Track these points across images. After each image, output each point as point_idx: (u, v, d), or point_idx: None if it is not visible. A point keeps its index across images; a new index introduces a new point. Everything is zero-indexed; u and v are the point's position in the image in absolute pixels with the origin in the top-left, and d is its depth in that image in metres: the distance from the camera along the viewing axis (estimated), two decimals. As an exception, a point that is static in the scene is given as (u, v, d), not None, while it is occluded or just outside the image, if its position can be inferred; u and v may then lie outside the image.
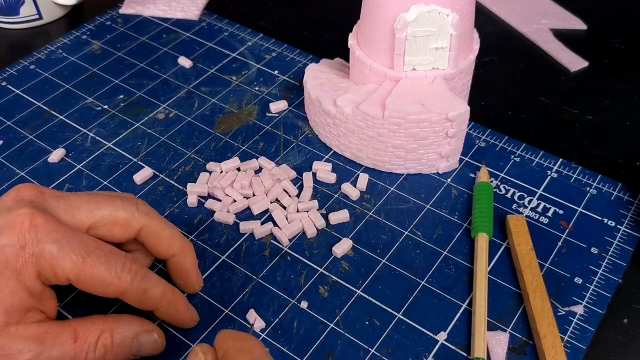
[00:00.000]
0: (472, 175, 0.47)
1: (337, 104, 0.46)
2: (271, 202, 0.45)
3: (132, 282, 0.35)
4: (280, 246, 0.43)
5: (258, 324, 0.38)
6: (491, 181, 0.47)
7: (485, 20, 0.63)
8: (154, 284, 0.36)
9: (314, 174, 0.47)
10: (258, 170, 0.48)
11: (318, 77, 0.49)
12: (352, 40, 0.48)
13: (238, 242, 0.43)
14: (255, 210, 0.44)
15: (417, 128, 0.44)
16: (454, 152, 0.46)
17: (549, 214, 0.45)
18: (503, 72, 0.57)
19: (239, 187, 0.46)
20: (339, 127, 0.47)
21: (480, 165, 0.48)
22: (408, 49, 0.44)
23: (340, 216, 0.44)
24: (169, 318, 0.37)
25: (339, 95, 0.47)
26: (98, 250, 0.34)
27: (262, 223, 0.44)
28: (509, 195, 0.46)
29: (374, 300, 0.40)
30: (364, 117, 0.45)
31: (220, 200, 0.45)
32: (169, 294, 0.37)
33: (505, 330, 0.38)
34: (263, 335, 0.38)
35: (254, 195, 0.45)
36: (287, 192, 0.46)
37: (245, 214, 0.45)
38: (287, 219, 0.44)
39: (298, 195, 0.46)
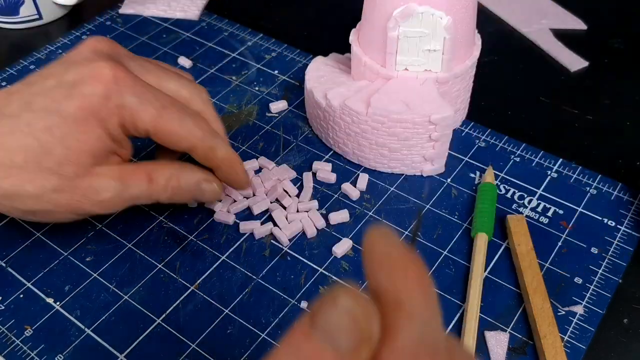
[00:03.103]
0: (472, 175, 0.47)
1: (327, 97, 0.46)
2: (271, 202, 0.45)
3: (202, 139, 0.38)
4: (280, 246, 0.43)
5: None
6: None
7: (485, 20, 0.63)
8: (220, 144, 0.39)
9: (314, 174, 0.47)
10: (258, 170, 0.48)
11: (320, 69, 0.50)
12: (352, 36, 0.48)
13: (238, 242, 0.43)
14: (256, 210, 0.44)
15: (399, 128, 0.44)
16: (439, 156, 0.46)
17: (549, 214, 0.45)
18: (503, 72, 0.57)
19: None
20: (327, 120, 0.47)
21: (480, 164, 0.48)
22: (400, 49, 0.44)
23: (340, 216, 0.44)
24: (228, 178, 0.41)
25: (331, 89, 0.47)
26: (173, 106, 0.37)
27: (262, 223, 0.44)
28: (509, 195, 0.46)
29: (374, 300, 0.40)
30: (350, 112, 0.45)
31: (220, 200, 0.45)
32: (232, 155, 0.40)
33: (505, 330, 0.38)
34: (263, 335, 0.38)
35: (253, 195, 0.45)
36: (287, 192, 0.46)
37: (245, 214, 0.45)
38: (287, 219, 0.44)
39: (298, 195, 0.46)
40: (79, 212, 0.38)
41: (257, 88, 0.55)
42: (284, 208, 0.45)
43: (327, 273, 0.41)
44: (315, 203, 0.45)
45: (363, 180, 0.47)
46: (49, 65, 0.39)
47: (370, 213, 0.45)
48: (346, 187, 0.46)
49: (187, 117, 0.37)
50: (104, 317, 0.39)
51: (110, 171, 0.37)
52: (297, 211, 0.44)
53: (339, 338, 0.18)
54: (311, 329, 0.18)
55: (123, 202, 0.38)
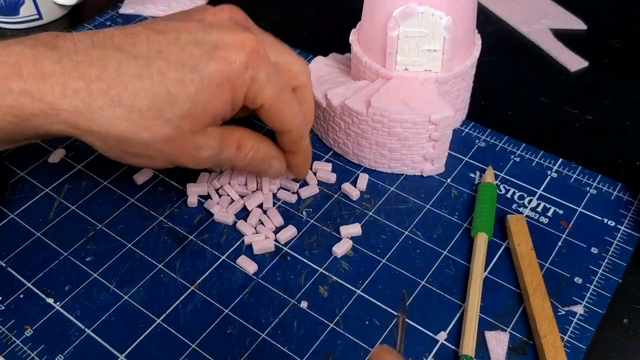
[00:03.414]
0: (472, 175, 0.47)
1: (327, 97, 0.46)
2: (267, 203, 0.45)
3: (299, 127, 0.41)
4: (281, 246, 0.43)
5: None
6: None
7: (485, 20, 0.63)
8: (307, 135, 0.42)
9: (314, 174, 0.47)
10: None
11: (320, 69, 0.50)
12: (352, 36, 0.48)
13: (238, 242, 0.43)
14: (250, 206, 0.44)
15: (399, 128, 0.44)
16: (439, 155, 0.46)
17: (549, 214, 0.45)
18: (503, 72, 0.57)
19: (235, 185, 0.46)
20: (327, 120, 0.47)
21: (480, 164, 0.48)
22: (400, 49, 0.44)
23: (352, 230, 0.43)
24: (297, 164, 0.44)
25: (331, 89, 0.47)
26: (287, 89, 0.39)
27: (257, 227, 0.44)
28: (509, 195, 0.46)
29: (374, 300, 0.40)
30: (350, 112, 0.45)
31: (220, 198, 0.45)
32: (310, 147, 0.44)
33: (505, 330, 0.38)
34: (263, 335, 0.38)
35: (251, 192, 0.46)
36: (286, 190, 0.46)
37: (245, 214, 0.45)
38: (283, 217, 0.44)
39: (297, 193, 0.46)
40: (175, 163, 0.39)
41: (257, 88, 0.55)
42: (284, 205, 0.45)
43: (327, 273, 0.41)
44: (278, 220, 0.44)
45: (363, 180, 0.47)
46: (171, 16, 0.39)
47: (370, 213, 0.45)
48: (346, 187, 0.46)
49: (295, 103, 0.40)
50: (104, 317, 0.39)
51: (215, 132, 0.38)
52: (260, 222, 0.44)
53: None
54: None
55: (213, 162, 0.39)
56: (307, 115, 0.42)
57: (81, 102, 0.34)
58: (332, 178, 0.47)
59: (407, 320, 0.39)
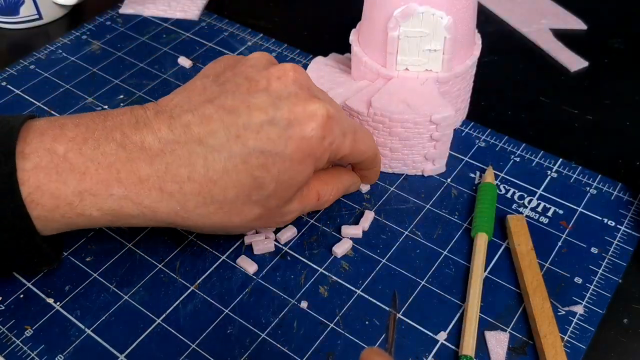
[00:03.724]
0: (472, 175, 0.47)
1: None
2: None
3: (375, 150, 0.42)
4: (281, 246, 0.43)
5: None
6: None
7: (485, 20, 0.63)
8: (378, 150, 0.44)
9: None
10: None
11: (320, 70, 0.50)
12: (353, 36, 0.48)
13: (238, 242, 0.43)
14: None
15: (400, 128, 0.44)
16: (440, 155, 0.46)
17: (549, 214, 0.45)
18: (503, 72, 0.57)
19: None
20: None
21: (480, 164, 0.48)
22: (400, 49, 0.44)
23: (352, 231, 0.43)
24: (371, 176, 0.45)
25: (331, 89, 0.47)
26: (360, 126, 0.41)
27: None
28: (509, 195, 0.46)
29: (374, 300, 0.40)
30: (350, 113, 0.45)
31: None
32: (380, 160, 0.45)
33: (505, 330, 0.38)
34: (263, 335, 0.38)
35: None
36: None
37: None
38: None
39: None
40: (259, 227, 0.41)
41: (257, 88, 0.55)
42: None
43: (327, 273, 0.41)
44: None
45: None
46: (233, 73, 0.38)
47: (371, 212, 0.45)
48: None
49: (367, 133, 0.41)
50: (104, 317, 0.39)
51: (298, 197, 0.39)
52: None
53: None
54: None
55: (295, 218, 0.41)
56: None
57: (177, 204, 0.36)
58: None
59: (399, 316, 0.39)
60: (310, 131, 0.36)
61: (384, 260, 0.42)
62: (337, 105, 0.39)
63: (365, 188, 0.47)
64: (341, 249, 0.42)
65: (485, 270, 0.41)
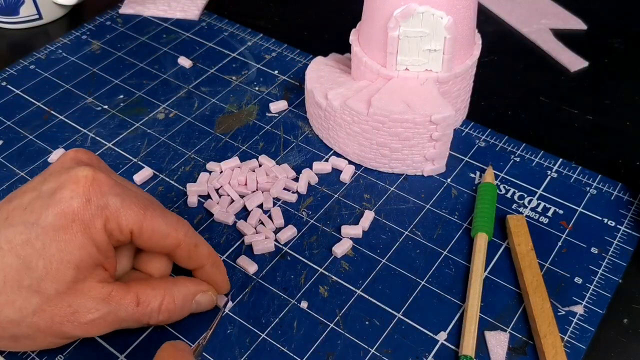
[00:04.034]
0: (472, 175, 0.47)
1: (328, 97, 0.46)
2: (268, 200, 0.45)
3: (186, 234, 0.36)
4: (281, 246, 0.43)
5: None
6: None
7: (485, 20, 0.63)
8: (203, 241, 0.38)
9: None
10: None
11: (320, 69, 0.50)
12: (353, 36, 0.48)
13: (238, 242, 0.43)
14: (250, 206, 0.44)
15: (400, 128, 0.44)
16: (440, 155, 0.46)
17: (549, 214, 0.45)
18: (503, 72, 0.57)
19: (235, 185, 0.46)
20: (328, 120, 0.47)
21: (480, 164, 0.48)
22: (400, 49, 0.44)
23: (352, 231, 0.43)
24: (211, 278, 0.39)
25: (331, 89, 0.47)
26: (153, 204, 0.36)
27: (257, 226, 0.44)
28: (509, 195, 0.46)
29: (374, 300, 0.40)
30: (350, 112, 0.45)
31: (219, 198, 0.45)
32: (214, 253, 0.38)
33: (505, 330, 0.38)
34: (263, 335, 0.38)
35: (251, 192, 0.46)
36: (287, 190, 0.46)
37: (245, 214, 0.45)
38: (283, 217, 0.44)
39: (297, 192, 0.46)
40: (62, 336, 0.35)
41: (257, 88, 0.55)
42: (284, 204, 0.45)
43: (327, 273, 0.41)
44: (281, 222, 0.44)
45: (348, 170, 0.47)
46: (29, 181, 0.36)
47: (371, 212, 0.45)
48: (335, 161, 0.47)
49: (170, 214, 0.36)
50: (104, 317, 0.39)
51: (94, 290, 0.34)
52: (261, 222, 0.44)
53: None
54: None
55: (108, 325, 0.35)
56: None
57: None
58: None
59: (406, 319, 0.39)
60: (69, 193, 0.33)
61: (384, 260, 0.42)
62: (125, 181, 0.37)
63: (293, 186, 0.45)
64: (341, 249, 0.42)
65: (485, 270, 0.41)
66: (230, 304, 0.39)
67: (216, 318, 0.38)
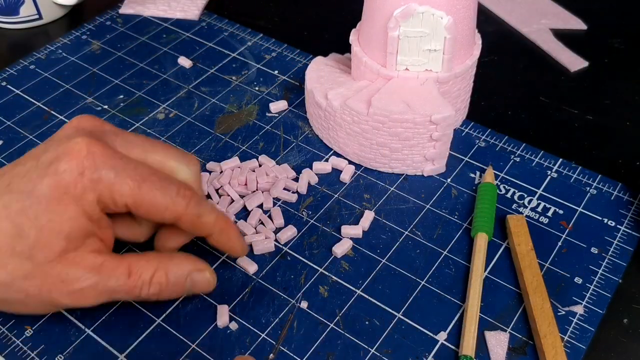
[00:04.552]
0: (472, 175, 0.47)
1: (328, 97, 0.46)
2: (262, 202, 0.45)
3: (187, 207, 0.36)
4: (281, 246, 0.43)
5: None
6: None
7: (485, 20, 0.63)
8: (208, 210, 0.37)
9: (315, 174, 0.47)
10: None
11: (320, 69, 0.50)
12: (353, 36, 0.48)
13: (238, 242, 0.43)
14: (250, 206, 0.44)
15: (400, 128, 0.44)
16: (440, 155, 0.46)
17: (549, 214, 0.45)
18: (503, 72, 0.57)
19: (235, 185, 0.46)
20: (328, 120, 0.47)
21: (480, 164, 0.48)
22: (400, 49, 0.44)
23: (352, 231, 0.43)
24: (222, 245, 0.38)
25: (331, 89, 0.47)
26: (153, 176, 0.35)
27: (257, 226, 0.44)
28: (509, 195, 0.46)
29: (374, 300, 0.40)
30: (350, 112, 0.45)
31: (219, 198, 0.45)
32: (222, 221, 0.38)
33: (505, 330, 0.38)
34: (263, 335, 0.38)
35: (251, 192, 0.46)
36: (287, 190, 0.46)
37: (245, 214, 0.45)
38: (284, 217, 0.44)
39: (297, 192, 0.46)
40: (50, 303, 0.35)
41: (257, 88, 0.55)
42: (284, 204, 0.45)
43: (327, 273, 0.41)
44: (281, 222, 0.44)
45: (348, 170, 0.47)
46: (34, 148, 0.37)
47: (371, 212, 0.45)
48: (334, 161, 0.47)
49: (170, 185, 0.35)
50: (104, 317, 0.39)
51: (84, 259, 0.34)
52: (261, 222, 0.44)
53: None
54: None
55: (98, 295, 0.35)
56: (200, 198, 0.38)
57: None
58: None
59: (406, 319, 0.39)
60: (63, 165, 0.33)
61: (384, 260, 0.42)
62: (144, 149, 0.37)
63: (293, 186, 0.45)
64: (341, 249, 0.42)
65: (485, 270, 0.41)
66: (305, 304, 0.39)
67: (289, 318, 0.38)
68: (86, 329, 0.38)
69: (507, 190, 0.46)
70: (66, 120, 0.52)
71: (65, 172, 0.33)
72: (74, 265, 0.34)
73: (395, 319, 0.39)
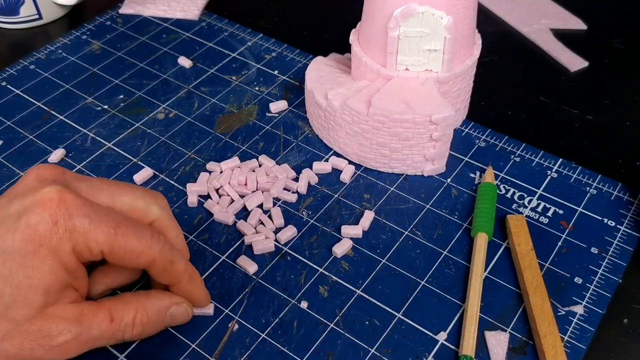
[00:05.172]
0: (472, 175, 0.47)
1: (328, 97, 0.46)
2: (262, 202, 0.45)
3: (161, 252, 0.35)
4: (281, 246, 0.43)
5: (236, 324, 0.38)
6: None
7: (485, 20, 0.63)
8: (179, 257, 0.36)
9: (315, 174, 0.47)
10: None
11: (320, 69, 0.50)
12: (353, 36, 0.48)
13: (238, 242, 0.43)
14: (250, 206, 0.44)
15: (400, 128, 0.44)
16: (440, 155, 0.46)
17: (549, 214, 0.45)
18: (503, 72, 0.57)
19: (235, 185, 0.46)
20: (328, 120, 0.47)
21: (480, 164, 0.48)
22: (400, 49, 0.44)
23: (352, 231, 0.43)
24: (188, 293, 0.38)
25: (331, 89, 0.47)
26: (126, 221, 0.34)
27: (257, 225, 0.44)
28: (509, 195, 0.46)
29: (374, 300, 0.40)
30: (350, 112, 0.45)
31: (219, 198, 0.45)
32: (191, 268, 0.37)
33: (505, 330, 0.38)
34: (263, 335, 0.38)
35: (251, 192, 0.46)
36: (287, 190, 0.46)
37: (245, 214, 0.45)
38: (283, 217, 0.44)
39: (297, 192, 0.46)
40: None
41: (257, 88, 0.55)
42: (284, 203, 0.45)
43: (327, 273, 0.41)
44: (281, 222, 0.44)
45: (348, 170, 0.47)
46: None
47: (371, 212, 0.45)
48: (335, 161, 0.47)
49: (143, 230, 0.35)
50: (104, 317, 0.39)
51: (64, 311, 0.33)
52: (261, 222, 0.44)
53: None
54: None
55: (82, 345, 0.34)
56: (176, 242, 0.38)
57: None
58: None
59: (406, 319, 0.39)
60: (35, 217, 0.32)
61: (384, 260, 0.42)
62: (110, 192, 0.36)
63: (293, 186, 0.46)
64: (341, 249, 0.42)
65: (485, 270, 0.41)
66: (236, 326, 0.39)
67: (226, 334, 0.38)
68: (86, 329, 0.38)
69: (507, 190, 0.46)
70: (66, 120, 0.52)
71: (39, 223, 0.32)
72: (54, 319, 0.33)
73: (395, 319, 0.39)
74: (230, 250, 0.43)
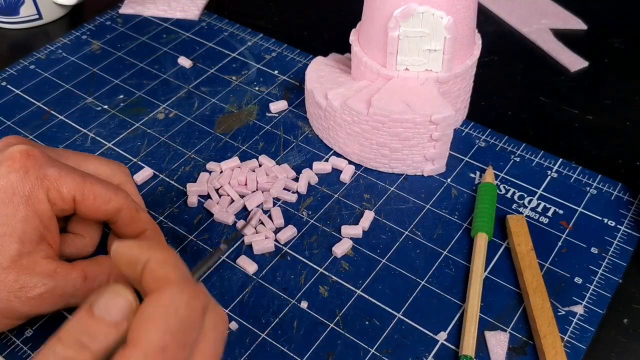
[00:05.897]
0: (472, 175, 0.47)
1: (328, 97, 0.46)
2: (269, 199, 0.45)
3: (127, 199, 0.37)
4: (281, 246, 0.43)
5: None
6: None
7: (485, 20, 0.63)
8: (142, 206, 0.39)
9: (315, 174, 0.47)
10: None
11: (320, 69, 0.50)
12: (353, 37, 0.48)
13: (238, 242, 0.43)
14: (250, 206, 0.44)
15: (400, 128, 0.44)
16: (440, 155, 0.46)
17: (549, 214, 0.45)
18: (503, 72, 0.57)
19: (235, 185, 0.46)
20: (328, 120, 0.47)
21: (480, 164, 0.48)
22: (400, 49, 0.44)
23: (352, 231, 0.43)
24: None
25: (331, 89, 0.47)
26: (91, 175, 0.37)
27: (257, 226, 0.44)
28: (509, 195, 0.46)
29: (374, 300, 0.40)
30: (350, 112, 0.45)
31: (219, 198, 0.45)
32: (153, 220, 0.39)
33: (505, 330, 0.38)
34: (263, 335, 0.38)
35: (251, 192, 0.46)
36: (287, 190, 0.46)
37: (245, 214, 0.45)
38: (284, 217, 0.44)
39: (297, 192, 0.46)
40: (11, 315, 0.35)
41: (257, 88, 0.55)
42: (284, 203, 0.45)
43: (327, 273, 0.41)
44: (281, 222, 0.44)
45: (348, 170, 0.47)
46: None
47: (371, 212, 0.45)
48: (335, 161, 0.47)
49: (107, 182, 0.37)
50: (104, 317, 0.39)
51: (39, 265, 0.34)
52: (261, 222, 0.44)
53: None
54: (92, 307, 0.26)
55: (57, 300, 0.35)
56: (137, 199, 0.40)
57: None
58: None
59: (406, 319, 0.39)
60: (7, 169, 0.34)
61: (384, 260, 0.42)
62: (78, 160, 0.38)
63: (293, 186, 0.45)
64: (341, 249, 0.42)
65: (485, 270, 0.41)
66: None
67: (213, 256, 0.35)
68: (86, 329, 0.38)
69: (507, 190, 0.46)
70: (66, 120, 0.52)
71: (10, 173, 0.34)
72: (30, 272, 0.34)
73: (395, 319, 0.39)
74: (230, 250, 0.43)
